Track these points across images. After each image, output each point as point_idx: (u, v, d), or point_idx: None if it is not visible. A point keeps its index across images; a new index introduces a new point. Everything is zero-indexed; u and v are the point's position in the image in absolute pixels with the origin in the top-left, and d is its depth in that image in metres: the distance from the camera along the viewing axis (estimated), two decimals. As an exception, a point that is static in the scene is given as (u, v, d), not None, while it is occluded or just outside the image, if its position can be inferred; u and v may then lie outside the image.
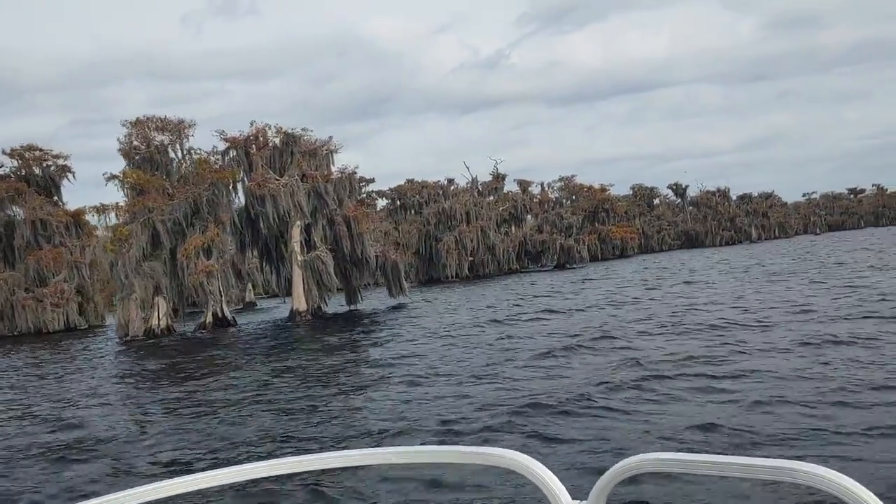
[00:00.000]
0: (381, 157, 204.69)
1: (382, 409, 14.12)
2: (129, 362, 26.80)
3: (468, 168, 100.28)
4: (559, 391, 14.01)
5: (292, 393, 16.92)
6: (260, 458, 10.80)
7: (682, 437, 10.25)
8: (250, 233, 39.66)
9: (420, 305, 41.16)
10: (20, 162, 48.68)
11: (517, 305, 35.05)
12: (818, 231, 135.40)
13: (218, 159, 37.59)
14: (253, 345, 29.83)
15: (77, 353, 31.60)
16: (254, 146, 37.76)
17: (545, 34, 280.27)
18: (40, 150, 49.34)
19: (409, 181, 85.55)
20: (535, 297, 39.93)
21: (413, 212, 79.68)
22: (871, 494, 1.38)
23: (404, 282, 42.08)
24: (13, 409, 18.02)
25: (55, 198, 49.81)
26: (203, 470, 1.96)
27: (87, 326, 47.11)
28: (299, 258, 37.95)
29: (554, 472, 1.68)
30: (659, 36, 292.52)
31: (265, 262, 41.54)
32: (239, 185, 38.22)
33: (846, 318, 20.48)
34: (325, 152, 39.77)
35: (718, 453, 2.11)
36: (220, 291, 36.86)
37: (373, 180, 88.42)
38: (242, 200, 38.58)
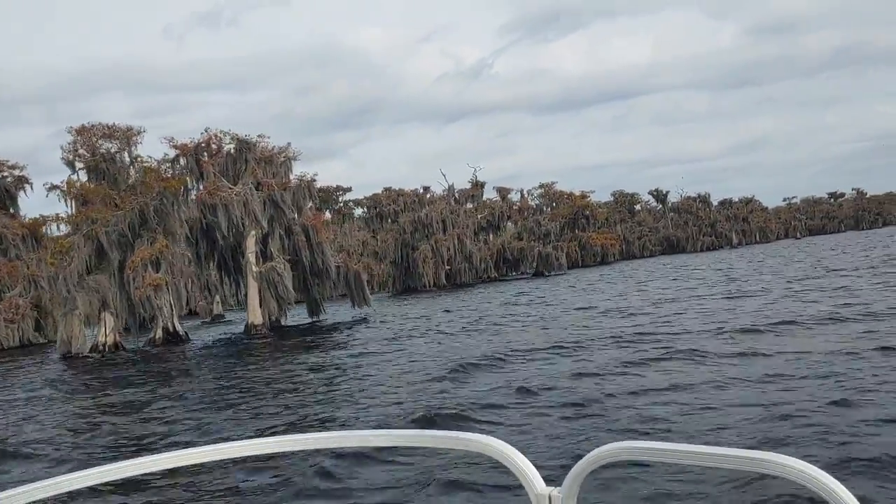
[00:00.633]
0: (365, 167, 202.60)
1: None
2: (48, 381, 24.56)
3: (445, 176, 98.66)
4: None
5: (179, 414, 14.89)
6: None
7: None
8: (206, 244, 37.55)
9: (384, 317, 39.12)
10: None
11: (471, 322, 33.10)
12: (798, 235, 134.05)
13: (168, 168, 35.40)
14: (195, 362, 27.73)
15: (9, 371, 29.43)
16: (205, 153, 35.68)
17: (529, 43, 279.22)
18: (-5, 161, 47.19)
19: (387, 189, 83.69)
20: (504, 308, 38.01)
21: (390, 220, 77.71)
22: (841, 486, 1.39)
23: (367, 292, 40.01)
24: None
25: (11, 210, 47.62)
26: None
27: (45, 342, 44.82)
28: (254, 269, 35.87)
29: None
30: (643, 43, 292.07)
31: (224, 273, 39.36)
32: (193, 194, 36.12)
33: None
34: (282, 159, 37.70)
35: (692, 443, 1.68)
36: (170, 305, 34.68)
37: (350, 189, 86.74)
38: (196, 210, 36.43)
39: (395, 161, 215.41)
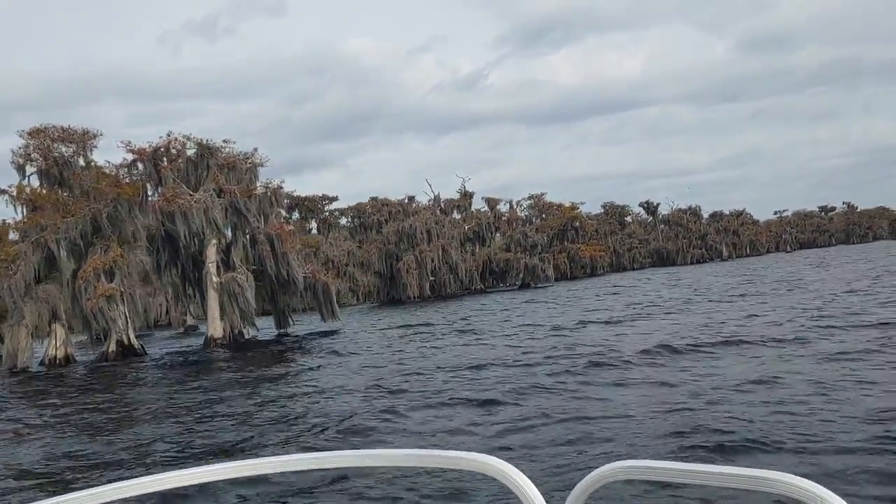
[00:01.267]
0: (360, 177, 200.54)
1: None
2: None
3: (430, 186, 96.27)
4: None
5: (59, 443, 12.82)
6: None
7: None
8: (167, 253, 35.52)
9: (356, 331, 37.06)
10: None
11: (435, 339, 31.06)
12: (789, 249, 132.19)
13: (125, 173, 33.40)
14: (139, 380, 25.64)
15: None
16: (164, 158, 33.68)
17: (523, 55, 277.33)
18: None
19: (373, 199, 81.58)
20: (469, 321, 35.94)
21: (373, 231, 75.65)
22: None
23: (336, 305, 37.91)
24: None
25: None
26: None
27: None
28: (214, 280, 33.82)
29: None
30: (636, 57, 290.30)
31: (186, 284, 37.26)
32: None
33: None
34: (247, 166, 35.69)
35: (694, 461, 1.71)
36: (125, 317, 32.65)
37: (336, 198, 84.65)
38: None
39: (389, 171, 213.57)
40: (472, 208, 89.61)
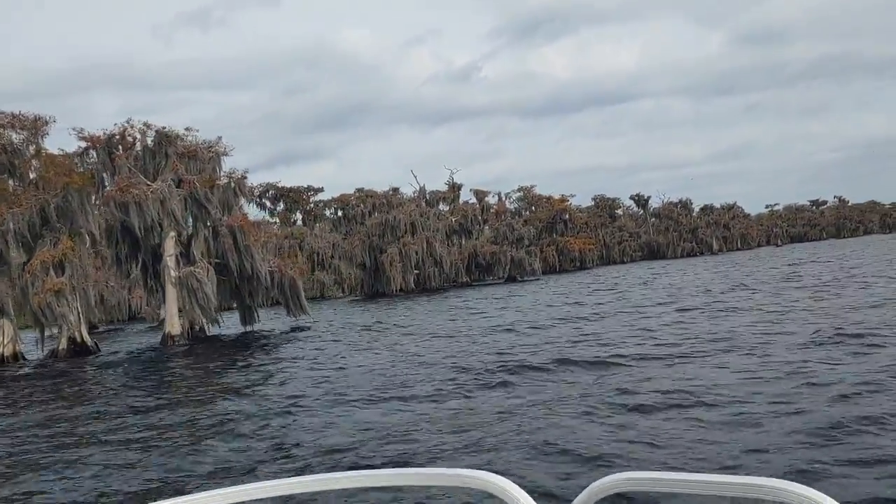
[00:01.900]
0: (353, 169, 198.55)
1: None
2: None
3: (416, 177, 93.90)
4: None
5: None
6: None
7: None
8: (126, 246, 33.59)
9: (326, 326, 35.19)
10: None
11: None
12: (779, 243, 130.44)
13: (78, 162, 31.41)
14: (81, 381, 23.74)
15: None
16: (120, 147, 31.71)
17: (518, 47, 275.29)
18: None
19: (359, 190, 79.63)
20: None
21: (358, 223, 73.71)
22: None
23: (304, 300, 36.01)
24: None
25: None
26: None
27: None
28: (172, 275, 31.91)
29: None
30: (630, 49, 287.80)
31: (147, 278, 35.31)
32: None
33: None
34: (209, 155, 33.71)
35: (693, 471, 1.61)
36: (78, 313, 30.75)
37: (321, 189, 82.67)
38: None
39: (383, 163, 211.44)
40: (461, 201, 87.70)
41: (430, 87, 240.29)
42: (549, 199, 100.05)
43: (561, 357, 18.01)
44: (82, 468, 11.36)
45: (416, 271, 69.04)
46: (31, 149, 30.89)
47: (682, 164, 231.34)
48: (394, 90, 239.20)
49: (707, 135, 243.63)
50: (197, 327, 33.45)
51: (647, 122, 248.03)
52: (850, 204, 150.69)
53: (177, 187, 32.00)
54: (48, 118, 31.34)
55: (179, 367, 24.85)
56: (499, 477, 1.66)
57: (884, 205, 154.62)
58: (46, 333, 31.56)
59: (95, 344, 31.69)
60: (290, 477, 1.84)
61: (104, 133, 31.27)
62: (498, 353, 19.80)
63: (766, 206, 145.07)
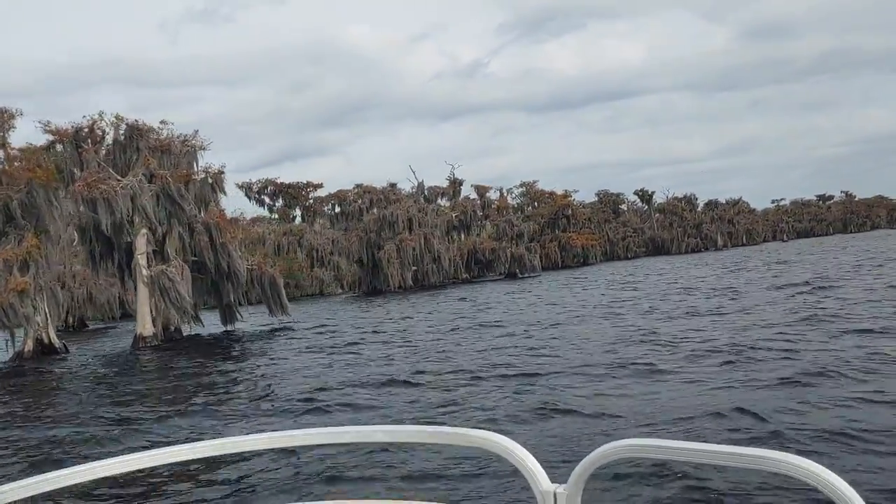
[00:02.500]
0: (359, 165, 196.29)
1: None
2: None
3: (414, 173, 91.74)
4: None
5: None
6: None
7: None
8: (100, 243, 32.01)
9: (305, 327, 33.56)
10: None
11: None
12: (785, 238, 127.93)
13: (44, 156, 29.79)
14: (46, 386, 22.16)
15: None
16: (89, 140, 30.11)
17: (524, 43, 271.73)
18: None
19: (358, 186, 77.86)
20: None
21: (356, 219, 72.01)
22: (848, 486, 1.36)
23: (285, 298, 34.37)
24: None
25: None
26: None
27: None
28: (144, 273, 30.29)
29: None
30: (636, 45, 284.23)
31: (123, 277, 33.72)
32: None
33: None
34: (185, 149, 32.07)
35: (697, 441, 1.63)
36: (45, 313, 29.23)
37: (321, 185, 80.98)
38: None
39: (389, 159, 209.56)
40: (462, 196, 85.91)
41: (436, 83, 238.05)
42: (551, 194, 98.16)
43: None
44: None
45: (413, 268, 67.36)
46: (-2, 143, 29.34)
47: (687, 159, 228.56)
48: (400, 86, 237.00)
49: (712, 130, 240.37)
50: (172, 328, 31.89)
51: (653, 117, 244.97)
52: (856, 199, 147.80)
53: (149, 182, 30.37)
54: (15, 111, 29.81)
55: (137, 374, 23.20)
56: (505, 438, 1.65)
57: (891, 199, 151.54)
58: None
59: (64, 345, 30.11)
60: (295, 430, 1.88)
61: (72, 126, 29.65)
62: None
63: (772, 202, 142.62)
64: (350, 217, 72.28)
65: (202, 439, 8.03)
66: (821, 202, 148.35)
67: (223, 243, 31.49)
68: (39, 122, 29.45)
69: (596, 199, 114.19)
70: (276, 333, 31.62)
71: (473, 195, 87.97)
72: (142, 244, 30.47)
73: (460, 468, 8.68)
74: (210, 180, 32.52)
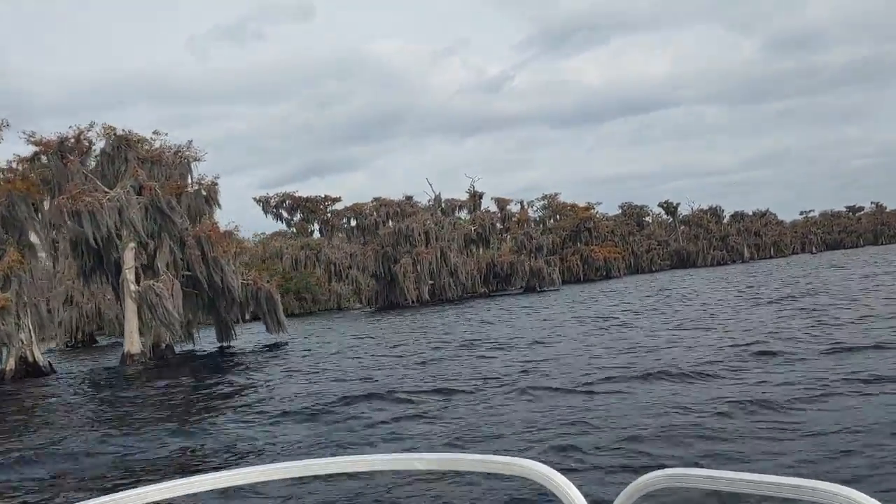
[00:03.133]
0: (385, 179, 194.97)
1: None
2: None
3: (431, 186, 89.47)
4: None
5: None
6: None
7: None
8: (92, 258, 30.58)
9: (300, 344, 31.81)
10: None
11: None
12: (814, 250, 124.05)
13: (28, 168, 28.44)
14: (14, 413, 20.58)
15: None
16: (76, 151, 28.69)
17: (549, 56, 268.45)
18: None
19: (376, 199, 76.26)
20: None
21: (371, 233, 70.35)
22: None
23: (282, 315, 32.63)
24: None
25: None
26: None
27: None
28: (132, 289, 28.74)
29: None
30: (662, 57, 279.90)
31: (119, 292, 32.22)
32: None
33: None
34: (177, 160, 30.57)
35: (739, 470, 1.51)
36: (29, 331, 27.77)
37: (339, 199, 79.47)
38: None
39: (415, 173, 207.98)
40: (482, 209, 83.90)
41: (461, 97, 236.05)
42: (573, 206, 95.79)
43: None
44: None
45: (430, 282, 65.46)
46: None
47: (715, 171, 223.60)
48: (426, 101, 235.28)
49: (741, 141, 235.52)
50: (163, 345, 30.28)
51: (680, 129, 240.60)
52: (887, 210, 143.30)
53: (137, 195, 28.88)
54: (1, 122, 28.49)
55: (118, 395, 21.48)
56: (544, 465, 1.62)
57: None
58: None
59: (50, 364, 28.59)
60: (328, 457, 1.83)
61: (57, 136, 28.26)
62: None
63: (801, 213, 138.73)
64: (367, 230, 70.61)
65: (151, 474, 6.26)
66: (851, 213, 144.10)
67: (215, 257, 29.87)
68: (24, 132, 28.07)
69: (620, 211, 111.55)
70: (270, 352, 29.88)
71: (494, 208, 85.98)
72: (129, 258, 28.96)
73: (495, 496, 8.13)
74: (204, 192, 30.97)
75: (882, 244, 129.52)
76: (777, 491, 1.39)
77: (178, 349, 31.47)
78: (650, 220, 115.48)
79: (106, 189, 28.62)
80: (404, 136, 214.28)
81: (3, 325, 26.41)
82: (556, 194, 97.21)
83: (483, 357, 21.09)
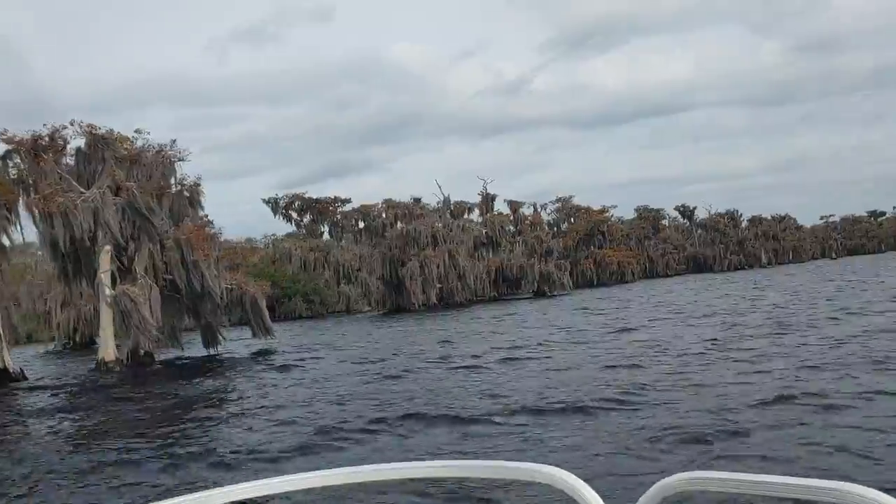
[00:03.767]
0: (403, 181, 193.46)
1: None
2: None
3: (440, 187, 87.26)
4: None
5: None
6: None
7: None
8: (73, 260, 29.20)
9: (288, 350, 30.20)
10: None
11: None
12: (834, 255, 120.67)
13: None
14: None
15: None
16: (50, 151, 27.28)
17: (568, 59, 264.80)
18: None
19: (386, 201, 74.60)
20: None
21: (380, 235, 68.70)
22: None
23: (268, 320, 31.05)
24: None
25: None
26: None
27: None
28: (107, 293, 27.28)
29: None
30: (682, 60, 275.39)
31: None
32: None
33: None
34: (159, 160, 29.11)
35: (762, 473, 1.47)
36: (0, 335, 26.39)
37: (349, 200, 77.87)
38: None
39: (432, 175, 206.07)
40: (495, 211, 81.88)
41: (480, 100, 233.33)
42: (587, 209, 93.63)
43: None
44: None
45: (438, 286, 63.68)
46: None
47: (735, 175, 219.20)
48: (444, 103, 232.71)
49: (761, 145, 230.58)
50: (142, 351, 28.78)
51: (699, 132, 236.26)
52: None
53: (115, 195, 27.41)
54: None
55: (77, 408, 19.96)
56: (568, 473, 1.58)
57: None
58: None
59: (21, 370, 27.17)
60: (346, 467, 1.74)
61: (31, 134, 26.86)
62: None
63: (822, 218, 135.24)
64: (375, 232, 68.99)
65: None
66: (872, 218, 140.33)
67: (195, 261, 28.32)
68: (-5, 130, 26.61)
69: (635, 214, 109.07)
70: (255, 358, 28.33)
71: (507, 211, 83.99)
72: (105, 262, 27.49)
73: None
74: (186, 193, 29.47)
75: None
76: (805, 493, 1.33)
77: (161, 355, 29.98)
78: (666, 224, 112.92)
79: (82, 189, 27.20)
80: (422, 138, 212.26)
81: (-31, 330, 25.07)
82: (570, 197, 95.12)
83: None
